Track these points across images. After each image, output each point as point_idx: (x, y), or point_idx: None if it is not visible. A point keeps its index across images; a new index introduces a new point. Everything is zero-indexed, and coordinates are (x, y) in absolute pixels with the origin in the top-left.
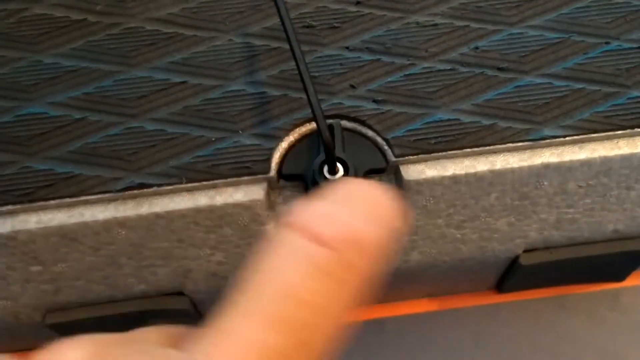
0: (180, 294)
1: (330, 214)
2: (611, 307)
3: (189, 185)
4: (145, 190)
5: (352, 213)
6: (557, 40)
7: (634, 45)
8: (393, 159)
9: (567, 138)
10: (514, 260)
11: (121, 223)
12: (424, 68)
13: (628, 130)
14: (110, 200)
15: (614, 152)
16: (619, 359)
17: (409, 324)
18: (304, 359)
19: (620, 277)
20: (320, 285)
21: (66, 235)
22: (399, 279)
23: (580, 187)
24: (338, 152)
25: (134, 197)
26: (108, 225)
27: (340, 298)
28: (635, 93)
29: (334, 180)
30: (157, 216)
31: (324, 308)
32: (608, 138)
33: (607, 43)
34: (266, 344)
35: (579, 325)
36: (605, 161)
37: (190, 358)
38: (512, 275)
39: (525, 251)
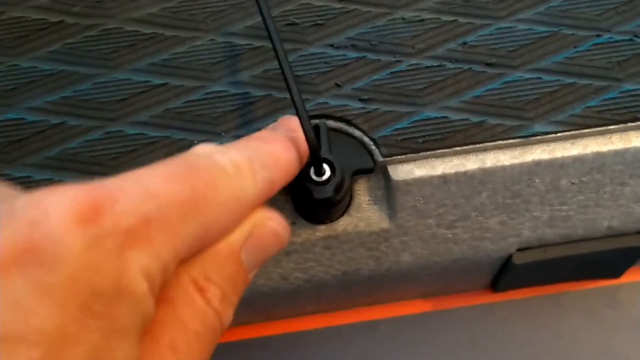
0: None
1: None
2: (608, 304)
3: None
4: None
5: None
6: (547, 34)
7: (626, 38)
8: (381, 159)
9: (558, 134)
10: (508, 260)
11: None
12: (411, 65)
13: (621, 125)
14: None
15: (606, 147)
16: (616, 355)
17: (402, 325)
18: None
19: (616, 273)
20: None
21: None
22: (390, 281)
23: (573, 183)
24: (324, 153)
25: None
26: None
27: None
28: (628, 86)
29: (321, 182)
30: None
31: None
32: (600, 133)
33: (598, 36)
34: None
35: (576, 323)
36: (598, 157)
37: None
38: (506, 274)
39: (519, 250)
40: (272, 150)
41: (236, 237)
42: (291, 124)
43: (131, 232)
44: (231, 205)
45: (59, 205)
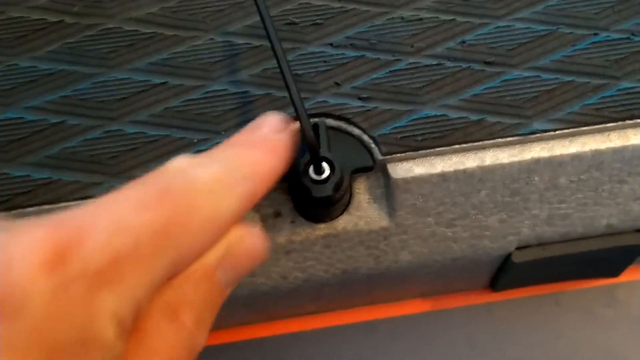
0: None
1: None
2: (606, 303)
3: None
4: None
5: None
6: (545, 32)
7: (623, 36)
8: (380, 157)
9: (557, 132)
10: (507, 258)
11: None
12: (410, 64)
13: (619, 123)
14: None
15: (605, 145)
16: (615, 355)
17: (401, 325)
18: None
19: (615, 272)
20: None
21: None
22: (389, 279)
23: (571, 181)
24: (323, 152)
25: None
26: None
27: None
28: (625, 84)
29: (321, 181)
30: None
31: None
32: (599, 131)
33: (595, 34)
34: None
35: (575, 322)
36: (597, 155)
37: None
38: (505, 273)
39: (518, 248)
40: (253, 159)
41: (210, 257)
42: (274, 122)
43: (101, 272)
44: (208, 228)
45: (24, 251)
